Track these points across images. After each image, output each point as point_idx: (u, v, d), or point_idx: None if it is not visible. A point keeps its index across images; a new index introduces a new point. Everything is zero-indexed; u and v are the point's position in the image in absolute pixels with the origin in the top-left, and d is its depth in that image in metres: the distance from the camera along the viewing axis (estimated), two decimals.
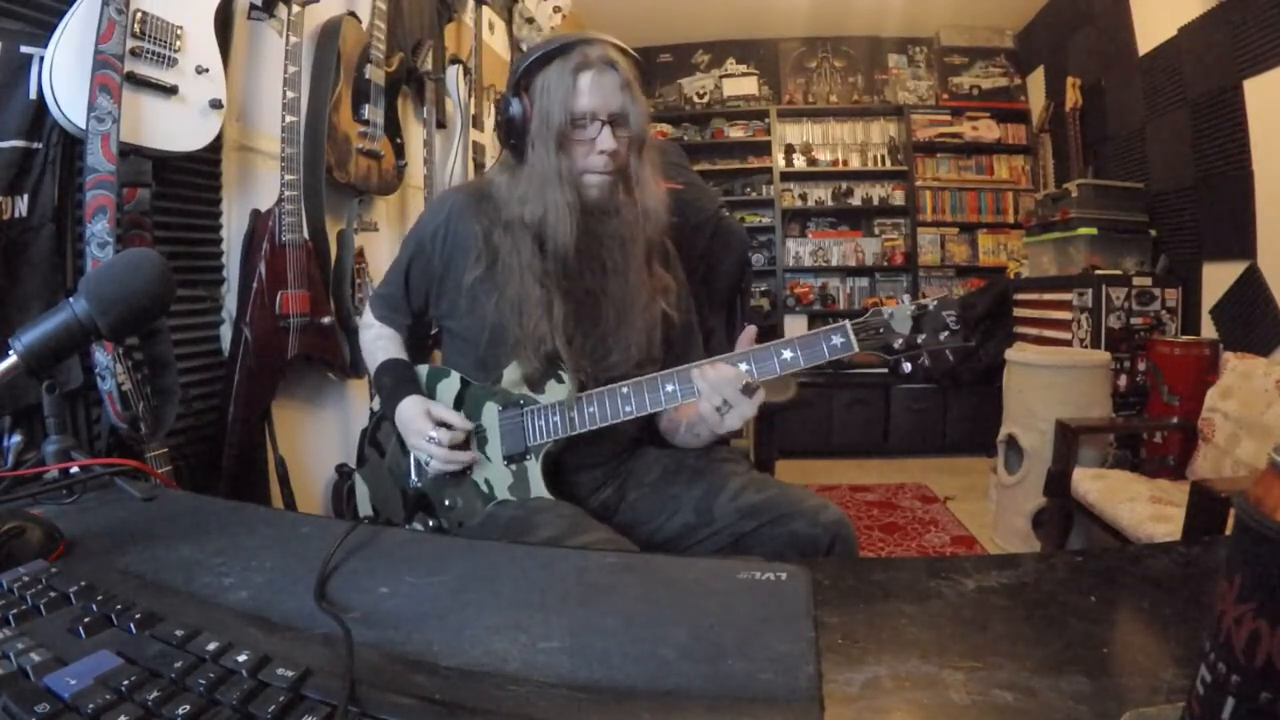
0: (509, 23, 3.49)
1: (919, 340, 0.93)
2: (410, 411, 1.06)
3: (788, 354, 0.92)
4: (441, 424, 1.04)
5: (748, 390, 0.92)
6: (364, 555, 0.62)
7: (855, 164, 4.83)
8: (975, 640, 0.47)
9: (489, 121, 3.09)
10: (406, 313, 1.18)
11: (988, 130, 4.71)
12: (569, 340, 1.03)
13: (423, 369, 1.15)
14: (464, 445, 1.06)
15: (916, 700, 0.41)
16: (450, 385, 1.11)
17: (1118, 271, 3.18)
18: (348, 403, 2.21)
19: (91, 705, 0.38)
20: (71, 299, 0.63)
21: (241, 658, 0.42)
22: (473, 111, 2.89)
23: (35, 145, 1.26)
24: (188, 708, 0.37)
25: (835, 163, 4.86)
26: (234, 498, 1.08)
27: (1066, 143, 3.84)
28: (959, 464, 4.05)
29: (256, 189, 1.81)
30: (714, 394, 0.93)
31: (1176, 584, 0.55)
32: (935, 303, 0.94)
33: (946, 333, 0.92)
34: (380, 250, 2.37)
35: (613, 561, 0.61)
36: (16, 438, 1.16)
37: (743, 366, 0.94)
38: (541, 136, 1.00)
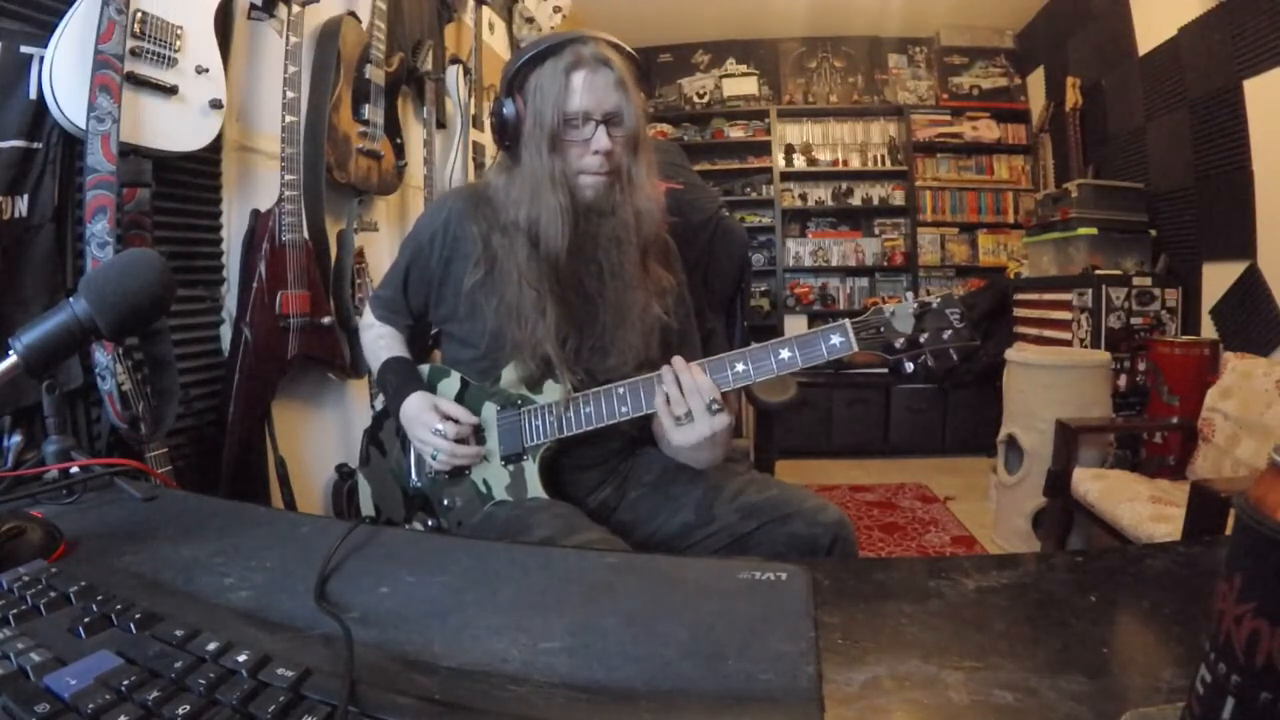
0: (509, 23, 3.49)
1: (921, 339, 0.90)
2: (417, 406, 1.06)
3: (785, 354, 0.91)
4: (448, 419, 1.04)
5: (712, 409, 0.90)
6: (364, 555, 0.62)
7: (855, 164, 4.83)
8: (975, 640, 0.47)
9: (489, 121, 3.09)
10: (406, 314, 1.18)
11: (988, 130, 4.71)
12: (563, 342, 1.03)
13: (424, 367, 1.15)
14: (468, 443, 1.06)
15: (916, 700, 0.41)
16: (450, 384, 1.11)
17: (1118, 271, 3.18)
18: (348, 403, 2.21)
19: (91, 705, 0.38)
20: (71, 299, 0.63)
21: (241, 658, 0.42)
22: (473, 111, 2.89)
23: (35, 145, 1.26)
24: (188, 708, 0.37)
25: (835, 163, 4.86)
26: (234, 498, 1.08)
27: (1066, 143, 3.84)
28: (959, 464, 4.05)
29: (256, 189, 1.81)
30: (681, 402, 0.91)
31: (1176, 584, 0.55)
32: (939, 300, 0.92)
33: (950, 331, 0.90)
34: (380, 250, 2.36)
35: (613, 561, 0.61)
36: (16, 438, 1.16)
37: (740, 366, 0.93)
38: (535, 137, 1.00)
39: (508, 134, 1.04)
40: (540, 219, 1.00)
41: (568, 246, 1.01)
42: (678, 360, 0.92)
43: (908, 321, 0.91)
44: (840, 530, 0.96)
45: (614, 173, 1.02)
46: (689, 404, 0.91)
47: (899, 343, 0.91)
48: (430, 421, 1.03)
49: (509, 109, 1.03)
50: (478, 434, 1.07)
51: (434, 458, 1.06)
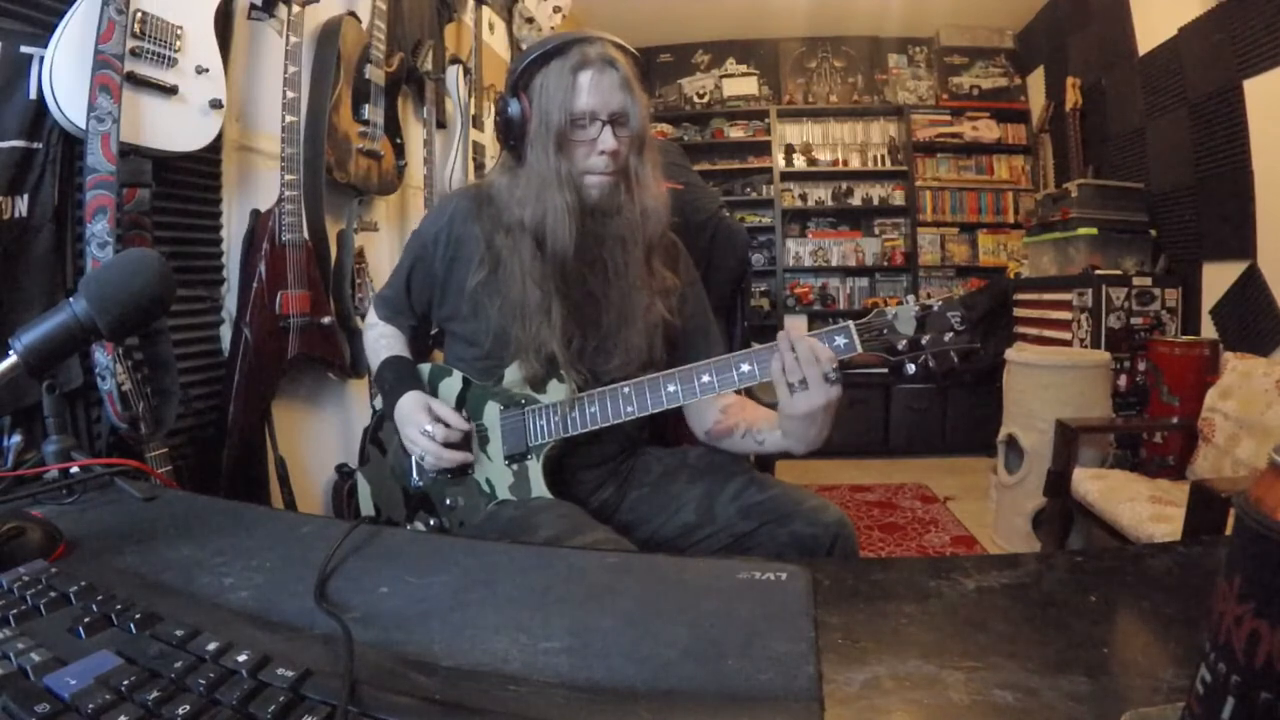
0: (509, 23, 3.49)
1: (923, 341, 0.91)
2: (410, 405, 1.06)
3: None
4: (440, 421, 1.04)
5: (829, 378, 0.88)
6: (364, 555, 0.62)
7: (855, 164, 4.83)
8: (975, 640, 0.47)
9: (489, 121, 3.09)
10: (410, 314, 1.19)
11: (988, 130, 4.71)
12: (568, 342, 1.03)
13: (425, 367, 1.15)
14: (462, 446, 1.05)
15: (916, 700, 0.41)
16: (452, 384, 1.11)
17: (1118, 271, 3.18)
18: (348, 403, 2.21)
19: (91, 705, 0.38)
20: (71, 299, 0.63)
21: (241, 658, 0.42)
22: (473, 111, 2.89)
23: (35, 145, 1.26)
24: (188, 708, 0.37)
25: (835, 163, 4.86)
26: (234, 498, 1.08)
27: (1066, 143, 3.84)
28: (959, 464, 4.05)
29: (256, 189, 1.81)
30: (796, 369, 0.88)
31: (1176, 584, 0.55)
32: (940, 303, 0.92)
33: (951, 334, 0.90)
34: (380, 250, 2.36)
35: (613, 561, 0.61)
36: (16, 438, 1.16)
37: (745, 367, 0.93)
38: (540, 137, 1.00)
39: (513, 133, 1.04)
40: (546, 218, 1.00)
41: (574, 246, 1.01)
42: (792, 329, 0.91)
43: (910, 324, 0.92)
44: (841, 530, 0.97)
45: (620, 172, 1.02)
46: (804, 371, 0.88)
47: (901, 344, 0.92)
48: (421, 422, 1.03)
49: (515, 108, 1.02)
50: (470, 439, 1.07)
51: (422, 459, 1.06)
